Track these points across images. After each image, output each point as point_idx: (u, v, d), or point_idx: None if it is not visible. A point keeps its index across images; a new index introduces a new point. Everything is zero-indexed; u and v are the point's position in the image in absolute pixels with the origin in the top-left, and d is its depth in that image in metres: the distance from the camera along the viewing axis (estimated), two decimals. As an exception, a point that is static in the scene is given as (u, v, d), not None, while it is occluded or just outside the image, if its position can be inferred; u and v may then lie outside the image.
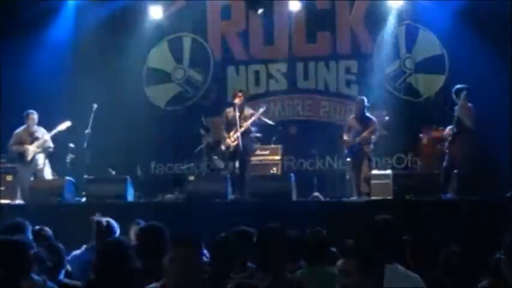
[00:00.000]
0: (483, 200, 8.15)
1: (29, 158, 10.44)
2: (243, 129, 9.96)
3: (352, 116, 10.42)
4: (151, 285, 3.50)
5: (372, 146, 10.07)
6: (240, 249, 4.67)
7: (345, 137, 10.15)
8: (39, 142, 10.48)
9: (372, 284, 3.28)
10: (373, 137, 10.01)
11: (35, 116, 10.58)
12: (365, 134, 9.95)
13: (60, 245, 4.82)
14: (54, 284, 4.31)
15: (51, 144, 10.59)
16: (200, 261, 3.58)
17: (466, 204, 8.13)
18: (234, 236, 4.85)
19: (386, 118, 10.12)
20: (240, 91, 10.46)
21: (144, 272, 3.89)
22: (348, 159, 10.37)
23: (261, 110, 10.45)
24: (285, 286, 4.01)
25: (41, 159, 10.54)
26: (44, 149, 10.57)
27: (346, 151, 10.28)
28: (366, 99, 10.29)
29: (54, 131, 10.59)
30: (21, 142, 10.54)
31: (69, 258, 5.38)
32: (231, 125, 10.14)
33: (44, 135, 10.53)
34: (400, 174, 9.98)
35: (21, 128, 10.63)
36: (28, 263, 4.07)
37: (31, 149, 10.43)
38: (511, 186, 8.38)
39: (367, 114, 10.20)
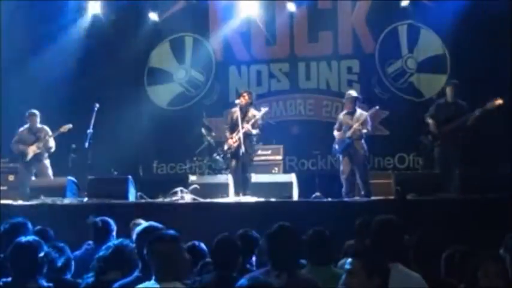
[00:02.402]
0: (485, 200, 8.13)
1: (28, 158, 10.52)
2: (243, 130, 9.94)
3: (344, 112, 10.29)
4: (151, 285, 3.50)
5: (364, 144, 9.94)
6: (242, 250, 4.67)
7: (335, 133, 10.06)
8: (39, 142, 10.54)
9: (377, 285, 3.29)
10: (364, 130, 9.80)
11: (36, 115, 10.67)
12: (355, 126, 9.79)
13: (63, 245, 4.81)
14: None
15: (51, 145, 10.66)
16: (184, 256, 3.61)
17: (468, 204, 8.12)
18: (237, 237, 4.87)
19: (383, 112, 10.09)
20: (246, 91, 10.45)
21: (144, 272, 3.90)
22: (339, 156, 10.11)
23: (263, 110, 10.40)
24: (302, 285, 4.01)
25: (41, 159, 10.58)
26: (45, 149, 10.63)
27: (336, 147, 10.05)
28: (355, 93, 10.23)
29: (56, 133, 10.66)
30: (23, 141, 10.61)
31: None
32: (234, 126, 10.11)
33: (46, 136, 10.59)
34: (402, 174, 9.98)
35: (24, 127, 10.71)
36: (36, 267, 4.06)
37: (31, 149, 10.50)
38: (511, 186, 8.35)
39: (358, 109, 10.10)
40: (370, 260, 3.35)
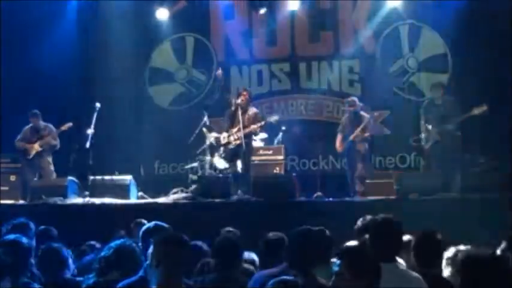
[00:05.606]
0: (485, 200, 8.13)
1: (31, 155, 10.54)
2: (248, 130, 9.94)
3: (346, 115, 10.50)
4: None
5: (367, 145, 10.13)
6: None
7: (338, 139, 10.36)
8: (42, 141, 10.57)
9: (364, 285, 3.27)
10: (366, 134, 10.14)
11: (37, 115, 10.72)
12: (357, 131, 10.04)
13: (59, 246, 4.81)
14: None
15: (54, 142, 10.66)
16: (189, 259, 3.63)
17: (468, 204, 8.12)
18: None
19: (375, 114, 10.28)
20: (245, 90, 10.48)
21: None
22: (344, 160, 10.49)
23: (273, 118, 10.31)
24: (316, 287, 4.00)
25: (44, 157, 10.61)
26: (49, 148, 10.64)
27: (341, 151, 10.46)
28: (356, 99, 10.38)
29: (57, 132, 10.70)
30: (26, 140, 10.64)
31: (84, 261, 5.41)
32: (232, 122, 10.15)
33: (50, 134, 10.61)
34: (403, 174, 9.99)
35: (28, 125, 10.74)
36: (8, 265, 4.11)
37: (34, 147, 10.53)
38: (511, 186, 8.36)
39: (360, 112, 10.30)
40: (358, 260, 3.33)
